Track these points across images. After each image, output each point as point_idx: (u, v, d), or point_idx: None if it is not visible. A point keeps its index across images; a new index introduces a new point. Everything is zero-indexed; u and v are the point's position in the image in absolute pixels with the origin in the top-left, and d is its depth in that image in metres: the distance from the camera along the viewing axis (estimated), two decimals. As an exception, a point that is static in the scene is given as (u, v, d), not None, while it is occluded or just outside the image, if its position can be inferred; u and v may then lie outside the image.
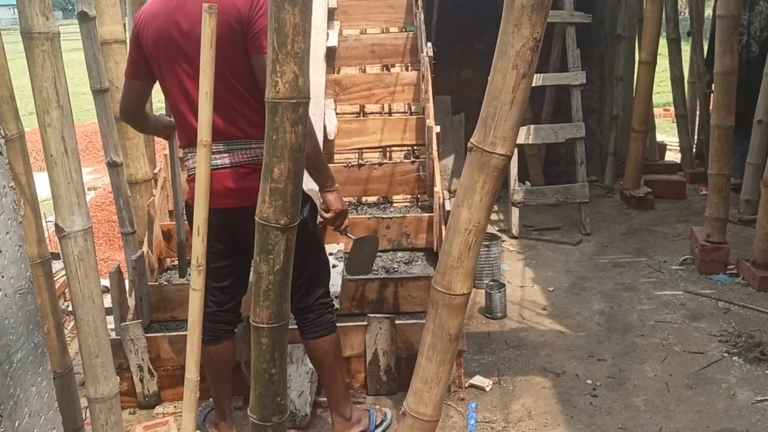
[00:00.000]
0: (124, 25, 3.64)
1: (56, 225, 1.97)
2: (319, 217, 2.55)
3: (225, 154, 2.28)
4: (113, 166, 3.13)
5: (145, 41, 2.26)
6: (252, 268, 1.97)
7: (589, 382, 3.12)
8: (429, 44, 4.25)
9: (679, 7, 6.88)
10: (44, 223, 2.43)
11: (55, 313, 2.29)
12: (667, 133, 8.27)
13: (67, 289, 4.23)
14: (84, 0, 2.78)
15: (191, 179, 2.36)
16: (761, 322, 3.58)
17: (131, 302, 3.13)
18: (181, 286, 3.21)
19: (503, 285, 3.86)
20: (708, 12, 8.49)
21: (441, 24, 5.94)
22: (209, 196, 2.13)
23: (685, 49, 6.26)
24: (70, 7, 57.10)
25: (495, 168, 2.04)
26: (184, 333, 2.57)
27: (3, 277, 1.79)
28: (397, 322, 2.99)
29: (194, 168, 2.29)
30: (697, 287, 4.04)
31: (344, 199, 4.04)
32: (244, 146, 2.28)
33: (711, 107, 4.90)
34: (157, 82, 2.37)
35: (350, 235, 2.69)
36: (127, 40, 3.52)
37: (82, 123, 10.05)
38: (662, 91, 9.64)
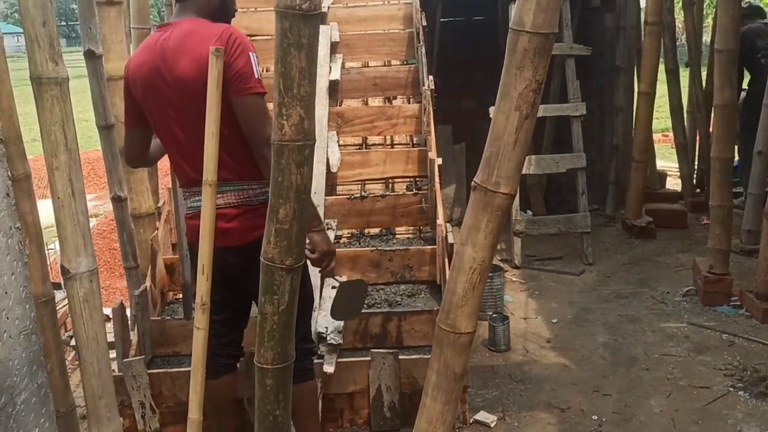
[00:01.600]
0: (129, 60, 3.67)
1: (62, 266, 1.97)
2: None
3: (217, 195, 2.30)
4: (117, 201, 3.14)
5: (135, 91, 2.29)
6: (257, 308, 1.97)
7: (594, 417, 3.10)
8: (430, 77, 4.29)
9: (676, 34, 6.96)
10: (46, 251, 2.44)
11: (58, 352, 2.29)
12: (666, 159, 8.31)
13: (68, 319, 4.24)
14: (91, 38, 2.81)
15: (189, 217, 2.39)
16: (766, 356, 3.56)
17: (133, 337, 3.13)
18: (183, 321, 3.20)
19: (506, 317, 3.85)
20: (705, 38, 8.59)
21: (442, 55, 6.00)
22: (193, 234, 2.14)
23: (684, 75, 6.30)
24: (74, 35, 57.70)
25: (499, 207, 2.05)
26: (187, 369, 2.56)
27: (8, 318, 1.79)
28: (400, 357, 2.98)
29: (191, 208, 2.35)
30: (701, 319, 4.03)
31: (347, 231, 4.07)
32: (235, 188, 2.30)
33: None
34: None
35: (337, 278, 2.58)
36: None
37: (84, 150, 10.10)
38: (661, 117, 9.70)
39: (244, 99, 2.12)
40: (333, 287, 3.39)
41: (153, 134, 2.42)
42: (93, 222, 6.33)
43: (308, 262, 2.46)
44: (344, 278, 2.71)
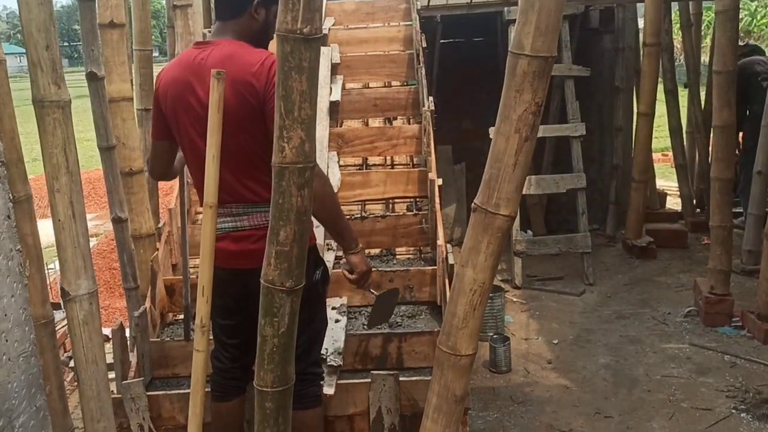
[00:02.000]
0: (132, 81, 3.70)
1: (62, 289, 1.97)
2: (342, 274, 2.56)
3: (245, 217, 2.30)
4: (118, 222, 3.14)
5: (164, 105, 2.28)
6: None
7: (596, 440, 3.08)
8: (430, 98, 4.30)
9: (674, 55, 7.01)
10: (45, 270, 2.44)
11: (57, 374, 2.28)
12: (666, 178, 8.33)
13: (67, 340, 4.22)
14: (93, 60, 2.83)
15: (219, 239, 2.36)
16: (768, 377, 3.55)
17: (132, 358, 3.11)
18: (183, 343, 3.18)
19: (507, 339, 3.84)
20: (704, 59, 8.65)
21: (442, 76, 6.04)
22: (223, 255, 2.15)
23: (683, 95, 6.34)
24: (76, 55, 58.12)
25: (499, 229, 2.05)
26: (186, 391, 2.55)
27: (7, 340, 1.79)
28: (401, 378, 2.96)
29: (221, 229, 2.27)
30: (703, 340, 4.02)
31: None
32: (263, 209, 2.30)
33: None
34: None
35: (373, 291, 2.68)
36: (134, 98, 3.59)
37: (86, 169, 10.13)
38: (660, 136, 9.75)
39: None
40: (333, 308, 3.39)
41: (177, 149, 2.42)
42: (93, 241, 6.33)
43: (321, 288, 2.47)
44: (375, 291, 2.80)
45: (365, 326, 3.13)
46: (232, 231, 2.22)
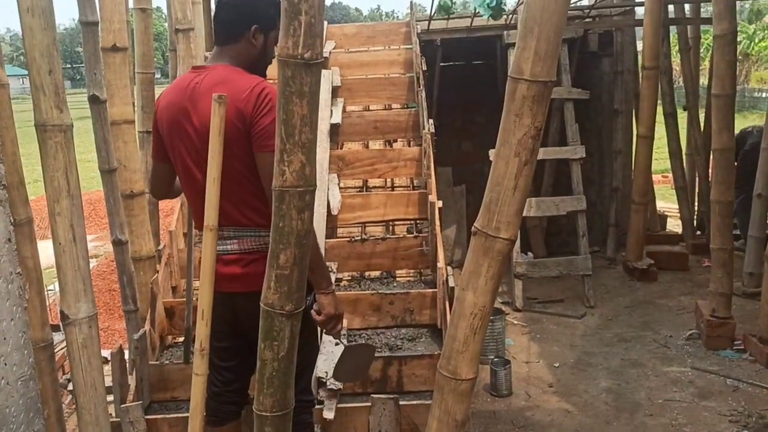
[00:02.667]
0: (134, 104, 3.72)
1: (61, 312, 1.97)
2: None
3: (234, 240, 2.29)
4: (118, 244, 3.14)
5: (162, 129, 2.30)
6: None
7: (598, 465, 3.05)
8: (431, 121, 4.33)
9: (673, 78, 7.05)
10: (45, 293, 2.44)
11: (56, 398, 2.26)
12: (666, 200, 8.34)
13: (66, 362, 4.19)
14: (96, 84, 2.85)
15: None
16: (771, 401, 3.52)
17: (131, 381, 3.09)
18: (182, 366, 3.16)
19: (508, 362, 3.81)
20: (702, 81, 8.70)
21: (442, 98, 6.07)
22: (216, 279, 2.14)
23: (682, 117, 6.36)
24: (78, 77, 58.51)
25: (499, 252, 2.05)
26: (185, 415, 2.53)
27: (6, 364, 1.78)
28: (401, 402, 2.94)
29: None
30: (705, 363, 3.99)
31: (348, 274, 4.06)
32: (253, 233, 2.30)
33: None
34: None
35: (342, 341, 2.51)
36: (136, 120, 3.61)
37: (86, 190, 10.16)
38: (660, 158, 9.78)
39: (265, 156, 2.12)
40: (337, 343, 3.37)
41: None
42: (93, 263, 6.32)
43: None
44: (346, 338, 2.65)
45: (331, 379, 2.90)
46: (222, 254, 2.21)
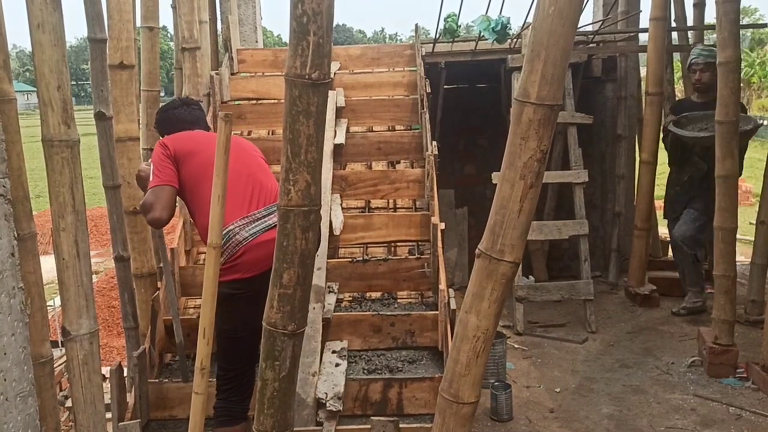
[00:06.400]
0: (139, 121, 3.74)
1: (63, 328, 1.95)
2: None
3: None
4: (120, 261, 3.14)
5: (186, 170, 2.60)
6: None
7: (599, 492, 3.01)
8: (434, 143, 4.34)
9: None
10: (46, 306, 2.43)
11: (54, 415, 2.24)
12: (668, 227, 8.31)
13: (64, 378, 4.16)
14: (102, 100, 2.87)
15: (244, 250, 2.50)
16: (775, 430, 3.48)
17: (130, 399, 3.07)
18: (181, 384, 3.15)
19: (509, 386, 3.78)
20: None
21: (445, 120, 6.10)
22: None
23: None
24: (83, 94, 58.88)
25: (503, 275, 2.04)
26: (183, 435, 2.50)
27: (5, 380, 1.76)
28: (401, 425, 2.91)
29: (247, 238, 2.50)
30: (707, 391, 3.96)
31: (349, 294, 4.04)
32: None
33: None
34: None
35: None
36: (141, 138, 3.62)
37: (88, 207, 10.17)
38: (662, 184, 9.79)
39: None
40: (333, 351, 3.35)
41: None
42: (93, 279, 6.31)
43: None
44: None
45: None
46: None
